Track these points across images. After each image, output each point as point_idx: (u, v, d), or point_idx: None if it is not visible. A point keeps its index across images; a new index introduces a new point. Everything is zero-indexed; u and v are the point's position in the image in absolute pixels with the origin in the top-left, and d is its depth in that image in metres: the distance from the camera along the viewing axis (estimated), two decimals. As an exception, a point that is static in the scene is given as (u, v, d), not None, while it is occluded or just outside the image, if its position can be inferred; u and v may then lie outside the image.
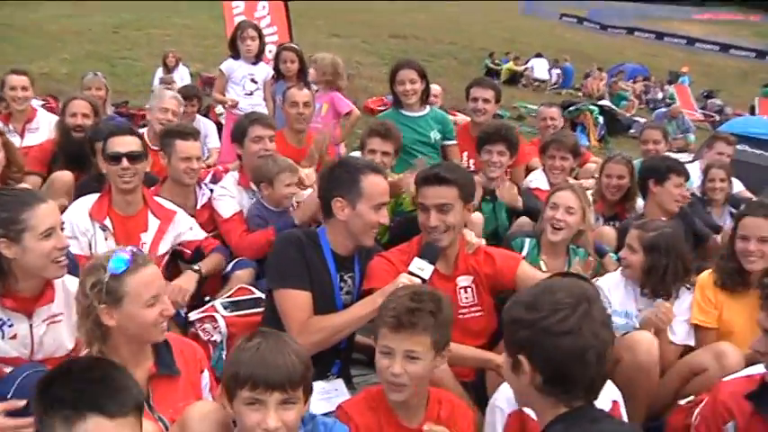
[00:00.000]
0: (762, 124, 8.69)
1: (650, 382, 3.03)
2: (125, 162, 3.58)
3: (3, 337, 2.60)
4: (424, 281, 2.84)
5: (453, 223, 3.09)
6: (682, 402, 2.99)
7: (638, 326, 3.34)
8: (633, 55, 31.57)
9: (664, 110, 14.77)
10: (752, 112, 17.64)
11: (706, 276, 3.54)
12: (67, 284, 2.77)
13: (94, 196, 3.65)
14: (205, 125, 6.40)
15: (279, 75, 6.02)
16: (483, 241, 3.38)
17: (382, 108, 10.28)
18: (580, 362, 1.70)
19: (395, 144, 4.35)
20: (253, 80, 5.96)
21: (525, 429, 2.34)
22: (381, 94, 12.76)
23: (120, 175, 3.58)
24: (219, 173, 4.48)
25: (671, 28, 48.81)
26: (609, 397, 2.48)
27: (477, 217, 4.12)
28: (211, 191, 4.28)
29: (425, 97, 5.19)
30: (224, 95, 6.06)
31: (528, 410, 2.29)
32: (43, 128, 5.32)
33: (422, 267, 2.85)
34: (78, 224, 3.49)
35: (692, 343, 3.41)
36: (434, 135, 5.12)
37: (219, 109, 9.04)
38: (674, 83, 20.90)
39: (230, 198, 4.18)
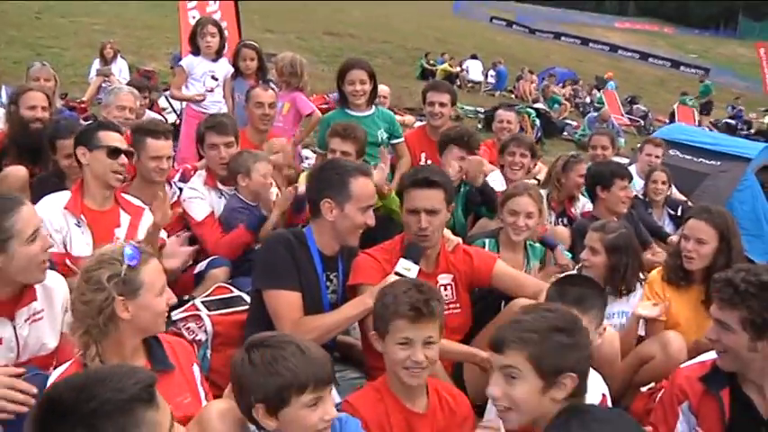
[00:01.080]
0: (690, 132, 9.21)
1: (613, 373, 3.19)
2: (124, 158, 3.56)
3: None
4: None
5: (440, 225, 3.21)
6: (643, 389, 3.24)
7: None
8: (560, 59, 32.60)
9: (595, 114, 15.40)
10: (671, 119, 18.64)
11: (655, 273, 3.83)
12: (47, 282, 2.70)
13: (65, 194, 3.56)
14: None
15: (238, 72, 5.98)
16: (459, 240, 3.51)
17: (324, 107, 10.24)
18: None
19: (355, 144, 4.39)
20: (213, 77, 5.88)
21: None
22: (319, 91, 12.75)
23: (115, 170, 3.54)
24: (188, 171, 4.44)
25: (594, 34, 50.70)
26: (599, 390, 2.68)
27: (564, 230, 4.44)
28: (180, 189, 4.26)
29: (372, 98, 5.21)
30: (182, 92, 5.96)
31: None
32: (-11, 120, 5.10)
33: (408, 268, 2.97)
34: (52, 221, 3.39)
35: (643, 332, 3.67)
36: (381, 134, 5.12)
37: (163, 103, 8.91)
38: (602, 88, 21.76)
39: (201, 200, 4.17)
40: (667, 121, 18.23)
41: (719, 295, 2.52)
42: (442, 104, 5.32)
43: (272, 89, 5.24)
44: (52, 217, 3.42)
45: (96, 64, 11.23)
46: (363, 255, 3.22)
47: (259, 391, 1.96)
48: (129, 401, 1.48)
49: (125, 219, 3.64)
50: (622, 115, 18.23)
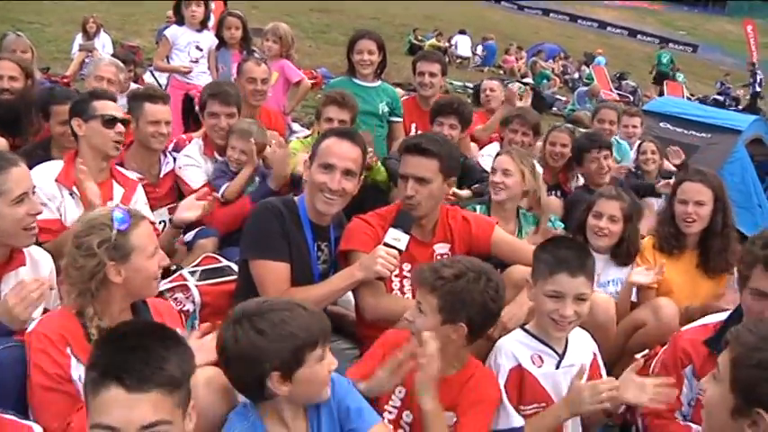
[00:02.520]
0: (681, 104, 9.23)
1: (608, 338, 3.19)
2: (120, 127, 3.50)
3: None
4: (400, 251, 2.89)
5: (430, 195, 3.09)
6: (638, 356, 3.18)
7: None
8: (549, 35, 32.46)
9: (584, 89, 15.34)
10: (660, 94, 18.61)
11: (646, 241, 3.82)
12: (33, 254, 2.70)
13: (58, 163, 3.50)
14: None
15: (222, 42, 5.87)
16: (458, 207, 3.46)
17: (313, 81, 10.15)
18: None
19: (351, 112, 4.34)
20: (198, 47, 5.76)
21: (523, 381, 2.46)
22: (306, 67, 12.60)
23: (113, 139, 3.49)
24: (182, 141, 4.33)
25: (583, 11, 50.50)
26: (590, 349, 2.66)
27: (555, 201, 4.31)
28: (174, 159, 4.17)
29: (380, 71, 5.18)
30: (167, 62, 5.84)
31: (527, 366, 2.47)
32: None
33: (397, 238, 2.90)
34: (44, 190, 3.30)
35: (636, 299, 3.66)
36: (383, 107, 5.11)
37: (148, 78, 8.75)
38: (591, 63, 21.66)
39: (197, 168, 4.10)
40: (656, 96, 18.20)
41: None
42: (432, 74, 5.24)
43: (265, 63, 5.12)
44: (44, 185, 3.33)
45: (79, 39, 11.03)
46: (357, 219, 3.15)
47: (274, 358, 1.89)
48: None
49: (118, 192, 3.59)
50: (612, 91, 18.16)
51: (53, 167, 3.48)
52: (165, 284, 3.23)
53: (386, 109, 5.12)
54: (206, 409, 2.05)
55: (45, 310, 2.55)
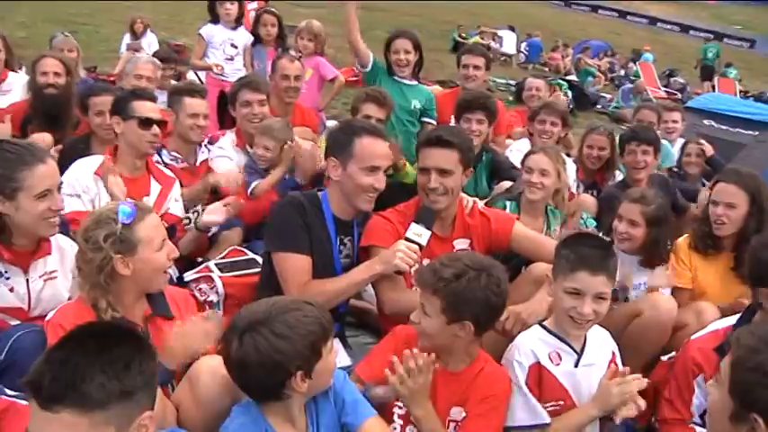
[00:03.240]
0: (726, 101, 8.93)
1: (661, 339, 3.16)
2: (155, 128, 3.61)
3: (0, 289, 2.59)
4: (421, 247, 2.89)
5: (452, 187, 3.11)
6: (664, 358, 3.12)
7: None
8: (597, 32, 31.86)
9: (629, 86, 15.03)
10: (712, 91, 18.08)
11: (682, 241, 3.70)
12: (60, 242, 2.78)
13: (98, 158, 3.62)
14: None
15: (257, 39, 5.94)
16: (476, 200, 3.43)
17: (353, 78, 10.19)
18: None
19: (388, 111, 4.39)
20: (233, 45, 5.85)
21: (542, 379, 2.43)
22: (348, 64, 12.66)
23: (149, 140, 3.60)
24: (216, 135, 4.43)
25: (632, 7, 49.43)
26: (609, 348, 2.60)
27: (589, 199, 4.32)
28: (209, 151, 4.29)
29: (418, 69, 5.24)
30: (204, 61, 5.94)
31: (545, 363, 2.44)
32: (16, 90, 5.13)
33: (419, 233, 2.90)
34: (80, 181, 3.46)
35: None
36: (416, 104, 5.16)
37: (191, 76, 8.92)
38: (638, 61, 21.19)
39: (228, 160, 4.19)
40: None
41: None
42: (476, 67, 5.32)
43: (298, 60, 5.17)
44: (81, 178, 3.48)
45: (127, 39, 11.32)
46: (377, 216, 3.16)
47: (297, 358, 1.90)
48: None
49: (155, 188, 3.69)
50: (659, 88, 17.70)
51: (94, 161, 3.61)
52: (190, 275, 3.32)
53: (419, 105, 5.15)
54: (209, 400, 2.10)
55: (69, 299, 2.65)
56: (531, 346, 2.47)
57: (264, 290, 2.94)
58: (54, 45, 5.93)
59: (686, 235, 3.74)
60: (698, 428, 2.55)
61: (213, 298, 3.20)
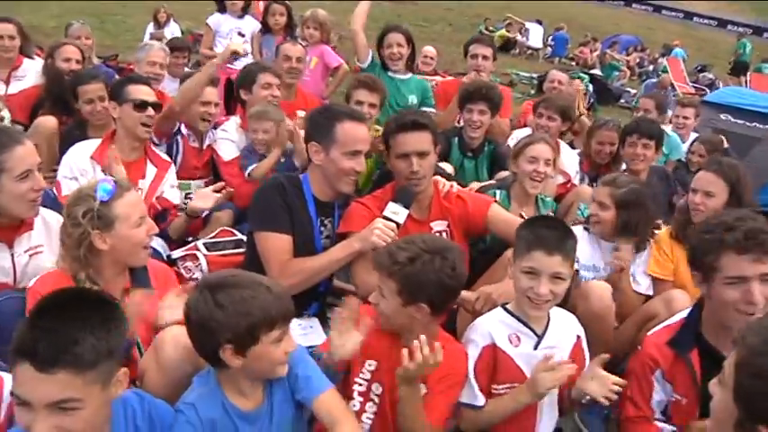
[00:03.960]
0: (744, 94, 8.82)
1: (605, 327, 3.14)
2: (151, 110, 3.72)
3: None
4: (398, 225, 2.95)
5: (430, 167, 3.18)
6: (640, 348, 3.12)
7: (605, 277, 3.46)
8: (629, 27, 31.38)
9: (653, 81, 14.83)
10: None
11: (664, 231, 3.68)
12: (46, 217, 2.87)
13: (95, 141, 3.76)
14: None
15: (266, 28, 6.03)
16: (454, 183, 3.46)
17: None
18: None
19: (380, 95, 4.44)
20: (240, 33, 5.95)
21: (497, 361, 2.47)
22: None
23: (144, 122, 3.71)
24: (221, 120, 4.55)
25: (668, 2, 48.50)
26: (573, 332, 2.63)
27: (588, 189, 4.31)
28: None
29: (411, 63, 5.31)
30: (212, 50, 6.04)
31: (501, 345, 2.47)
32: (30, 76, 5.27)
33: (396, 211, 2.97)
34: (78, 164, 3.60)
35: (651, 293, 3.55)
36: (413, 99, 5.22)
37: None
38: (667, 56, 20.85)
39: (231, 142, 4.29)
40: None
41: (764, 248, 2.31)
42: (485, 57, 5.42)
43: (301, 44, 5.26)
44: (78, 161, 3.62)
45: (150, 28, 11.55)
46: (355, 203, 3.23)
47: (228, 332, 1.94)
48: None
49: (151, 171, 3.80)
50: (687, 83, 17.40)
51: (90, 145, 3.74)
52: (178, 253, 3.44)
53: (416, 101, 5.21)
54: (170, 366, 2.18)
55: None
56: (489, 327, 2.50)
57: (248, 269, 3.01)
58: (70, 33, 6.09)
59: (668, 226, 3.73)
60: (662, 425, 2.54)
61: (198, 275, 3.29)
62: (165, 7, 11.90)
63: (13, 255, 2.75)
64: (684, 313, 2.60)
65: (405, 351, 2.18)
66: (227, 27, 5.94)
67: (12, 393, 1.62)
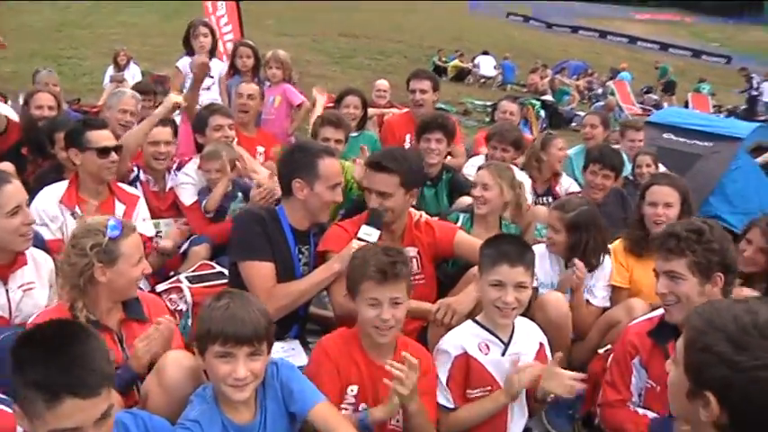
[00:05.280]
0: (684, 115, 9.34)
1: (562, 334, 3.43)
2: (114, 155, 3.81)
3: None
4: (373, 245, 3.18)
5: (392, 206, 3.42)
6: (600, 351, 3.41)
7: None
8: (577, 52, 32.43)
9: (601, 104, 15.46)
10: (685, 106, 18.57)
11: (617, 244, 3.99)
12: (36, 256, 3.05)
13: (62, 185, 3.82)
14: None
15: (235, 70, 6.27)
16: (424, 213, 3.73)
17: (331, 105, 10.55)
18: None
19: (345, 132, 4.71)
20: (209, 75, 6.14)
21: (470, 368, 2.72)
22: (330, 91, 12.99)
23: (107, 167, 3.80)
24: (185, 161, 4.72)
25: (612, 26, 50.30)
26: (536, 339, 2.90)
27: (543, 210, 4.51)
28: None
29: (362, 124, 5.73)
30: (181, 92, 6.22)
31: (473, 353, 2.72)
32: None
33: (369, 233, 3.22)
34: (47, 211, 3.67)
35: (608, 304, 3.83)
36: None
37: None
38: (615, 79, 21.73)
39: (191, 186, 4.48)
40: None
41: (666, 246, 2.73)
42: (422, 91, 5.66)
43: (258, 85, 5.55)
44: (47, 207, 3.69)
45: (110, 71, 11.67)
46: (333, 226, 3.48)
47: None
48: None
49: (120, 208, 3.90)
50: (634, 105, 18.20)
51: (57, 189, 3.80)
52: (162, 286, 3.60)
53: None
54: (173, 387, 2.34)
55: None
56: (460, 339, 2.76)
57: None
58: (39, 80, 6.25)
59: (620, 239, 4.03)
60: (639, 410, 2.78)
61: (182, 307, 3.47)
62: (125, 50, 12.03)
63: (7, 290, 2.90)
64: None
65: (387, 381, 2.41)
66: (196, 69, 6.12)
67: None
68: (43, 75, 6.29)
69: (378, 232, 3.24)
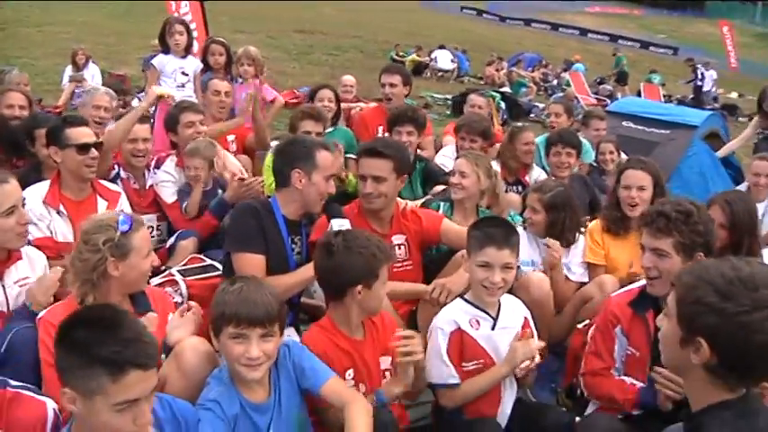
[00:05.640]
0: (642, 104, 9.72)
1: (545, 312, 3.65)
2: (93, 152, 3.82)
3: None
4: None
5: (386, 192, 3.60)
6: (579, 326, 3.62)
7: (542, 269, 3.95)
8: (531, 45, 33.02)
9: (560, 95, 15.85)
10: (638, 95, 19.16)
11: (595, 223, 4.25)
12: (29, 253, 3.12)
13: (44, 185, 3.83)
14: None
15: (207, 67, 6.31)
16: (410, 202, 3.91)
17: (294, 101, 10.66)
18: (766, 357, 1.75)
19: (324, 124, 4.84)
20: (183, 73, 6.14)
21: (463, 342, 2.88)
22: (289, 87, 13.06)
23: (87, 164, 3.81)
24: (163, 158, 4.76)
25: (565, 20, 51.28)
26: (521, 314, 3.08)
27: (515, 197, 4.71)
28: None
29: (336, 118, 5.81)
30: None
31: (465, 328, 2.88)
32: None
33: (341, 224, 3.36)
34: (33, 210, 3.64)
35: (586, 279, 4.07)
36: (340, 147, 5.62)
37: (136, 103, 9.19)
38: (569, 70, 22.23)
39: (172, 184, 4.57)
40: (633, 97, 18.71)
41: (655, 225, 2.91)
42: (392, 85, 5.83)
43: (230, 81, 5.67)
44: (33, 207, 3.66)
45: (69, 70, 11.52)
46: (323, 217, 3.58)
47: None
48: None
49: (102, 205, 3.93)
50: (589, 95, 18.67)
51: (40, 189, 3.80)
52: (157, 280, 3.66)
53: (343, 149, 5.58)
54: (191, 371, 2.45)
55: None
56: (452, 315, 2.92)
57: None
58: (8, 80, 6.18)
59: (597, 219, 4.29)
60: (626, 379, 2.94)
61: (178, 299, 3.53)
62: (84, 49, 11.86)
63: (4, 286, 2.95)
64: (644, 281, 3.06)
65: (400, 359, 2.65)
66: (172, 67, 6.13)
67: (118, 404, 1.87)
68: (13, 75, 6.25)
69: (347, 221, 3.39)
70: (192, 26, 8.00)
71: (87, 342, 1.86)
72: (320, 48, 23.01)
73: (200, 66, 6.32)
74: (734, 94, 25.09)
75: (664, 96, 20.17)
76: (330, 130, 5.59)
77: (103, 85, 7.59)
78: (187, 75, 6.14)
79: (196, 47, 6.69)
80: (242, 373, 2.33)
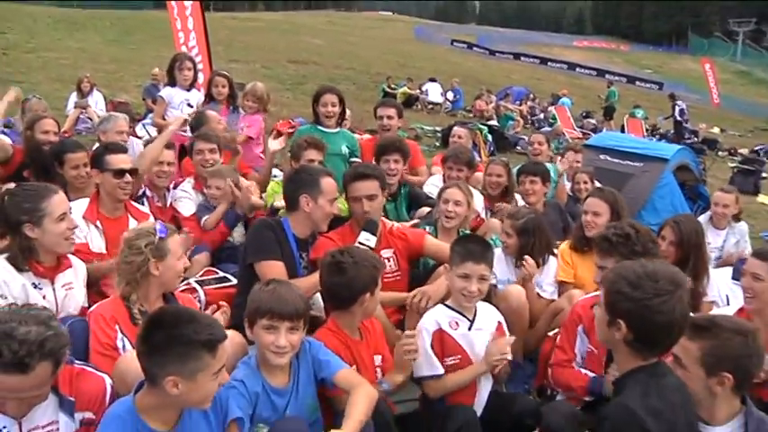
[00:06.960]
0: (618, 138, 10.34)
1: (522, 322, 4.13)
2: (128, 176, 4.29)
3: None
4: (371, 249, 3.82)
5: (378, 206, 4.13)
6: (550, 334, 4.10)
7: None
8: (520, 78, 33.84)
9: (548, 129, 16.44)
10: (622, 131, 19.85)
11: (564, 245, 4.78)
12: (73, 260, 3.56)
13: (84, 202, 4.28)
14: (136, 144, 6.97)
15: (211, 98, 6.79)
16: (395, 222, 4.46)
17: (290, 130, 11.08)
18: (668, 333, 2.40)
19: (324, 152, 5.28)
20: (189, 104, 6.68)
21: (443, 340, 3.35)
22: (284, 117, 13.46)
23: (121, 187, 4.27)
24: (179, 181, 5.28)
25: (553, 54, 52.49)
26: (495, 318, 3.57)
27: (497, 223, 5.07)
28: (175, 194, 5.15)
29: (341, 118, 6.13)
30: (165, 120, 6.69)
31: (445, 328, 3.37)
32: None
33: (368, 238, 3.90)
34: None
35: (556, 297, 4.55)
36: (344, 149, 5.97)
37: (140, 131, 9.64)
38: (556, 104, 22.95)
39: (189, 200, 5.06)
40: (615, 131, 19.40)
41: (599, 247, 3.56)
42: (389, 117, 6.28)
43: (234, 112, 6.25)
44: (74, 219, 4.03)
45: (74, 97, 11.99)
46: (322, 237, 4.08)
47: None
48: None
49: (133, 224, 4.32)
50: (574, 129, 19.36)
51: (80, 205, 4.26)
52: (179, 288, 4.10)
53: (346, 150, 5.98)
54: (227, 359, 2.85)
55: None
56: (435, 317, 3.41)
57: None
58: (29, 107, 6.64)
59: (567, 241, 4.82)
60: (582, 370, 3.44)
61: (197, 304, 3.97)
62: (89, 77, 12.37)
63: (54, 289, 3.39)
64: None
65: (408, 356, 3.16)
66: (178, 99, 6.68)
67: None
68: (34, 102, 6.72)
69: (375, 238, 3.92)
70: (199, 57, 8.60)
71: (186, 333, 2.33)
72: (313, 78, 23.53)
73: (202, 97, 6.85)
74: (716, 129, 25.94)
75: (646, 130, 20.91)
76: (335, 131, 5.95)
77: (116, 111, 8.03)
78: (192, 106, 6.67)
79: (201, 78, 7.22)
80: (270, 358, 2.77)
